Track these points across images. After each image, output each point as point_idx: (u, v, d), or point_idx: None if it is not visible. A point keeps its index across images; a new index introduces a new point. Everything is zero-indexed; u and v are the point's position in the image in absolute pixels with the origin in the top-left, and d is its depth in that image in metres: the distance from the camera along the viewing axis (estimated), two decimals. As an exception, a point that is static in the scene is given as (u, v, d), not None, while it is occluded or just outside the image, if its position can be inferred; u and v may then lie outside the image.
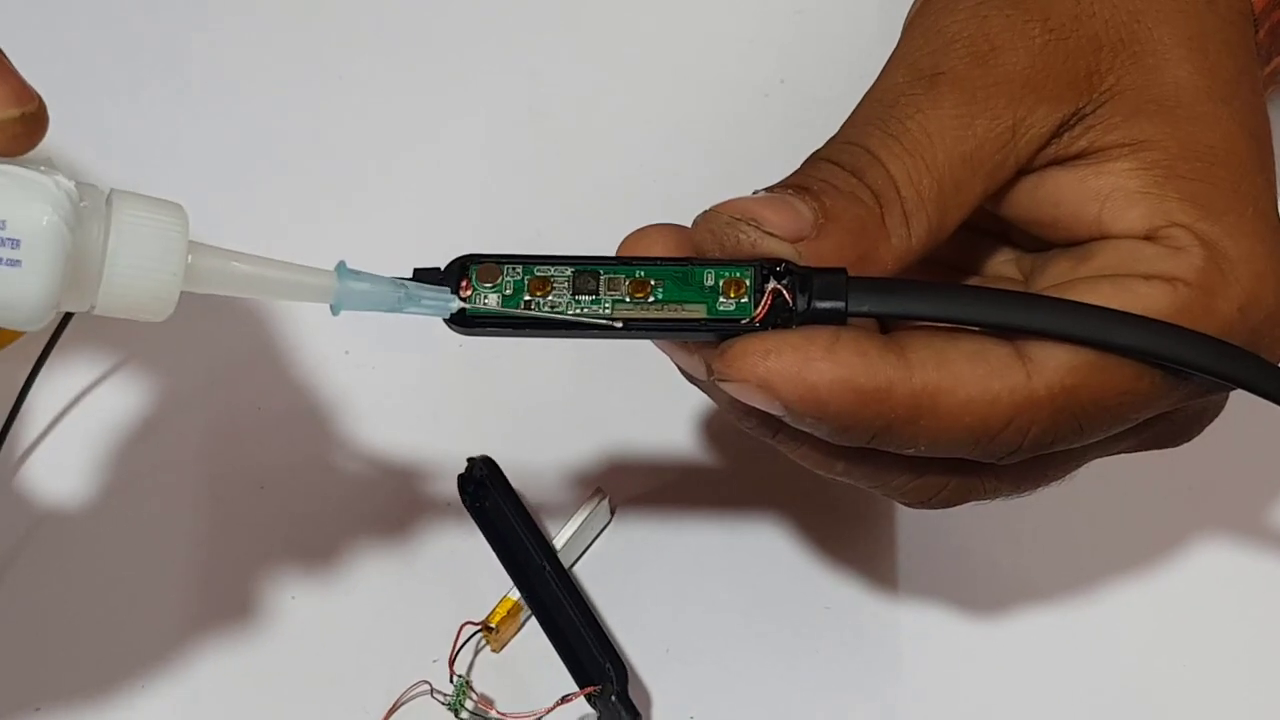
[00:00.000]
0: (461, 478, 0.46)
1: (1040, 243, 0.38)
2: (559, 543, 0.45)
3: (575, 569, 0.46)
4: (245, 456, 0.47)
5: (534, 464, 0.47)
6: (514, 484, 0.45)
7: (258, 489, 0.47)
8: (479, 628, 0.44)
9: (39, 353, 0.46)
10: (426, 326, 0.49)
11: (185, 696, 0.44)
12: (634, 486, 0.47)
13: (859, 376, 0.33)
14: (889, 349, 0.33)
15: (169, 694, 0.44)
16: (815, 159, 0.36)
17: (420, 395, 0.49)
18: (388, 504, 0.47)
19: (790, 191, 0.34)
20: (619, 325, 0.34)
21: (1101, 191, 0.36)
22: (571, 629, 0.43)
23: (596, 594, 0.45)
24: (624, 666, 0.42)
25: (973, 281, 0.40)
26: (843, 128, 0.36)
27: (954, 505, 0.38)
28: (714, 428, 0.48)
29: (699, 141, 0.53)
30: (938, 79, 0.35)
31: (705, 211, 0.34)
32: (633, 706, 0.42)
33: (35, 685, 0.44)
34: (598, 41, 0.55)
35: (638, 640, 0.45)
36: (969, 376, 0.33)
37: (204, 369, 0.49)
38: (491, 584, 0.45)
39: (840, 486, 0.46)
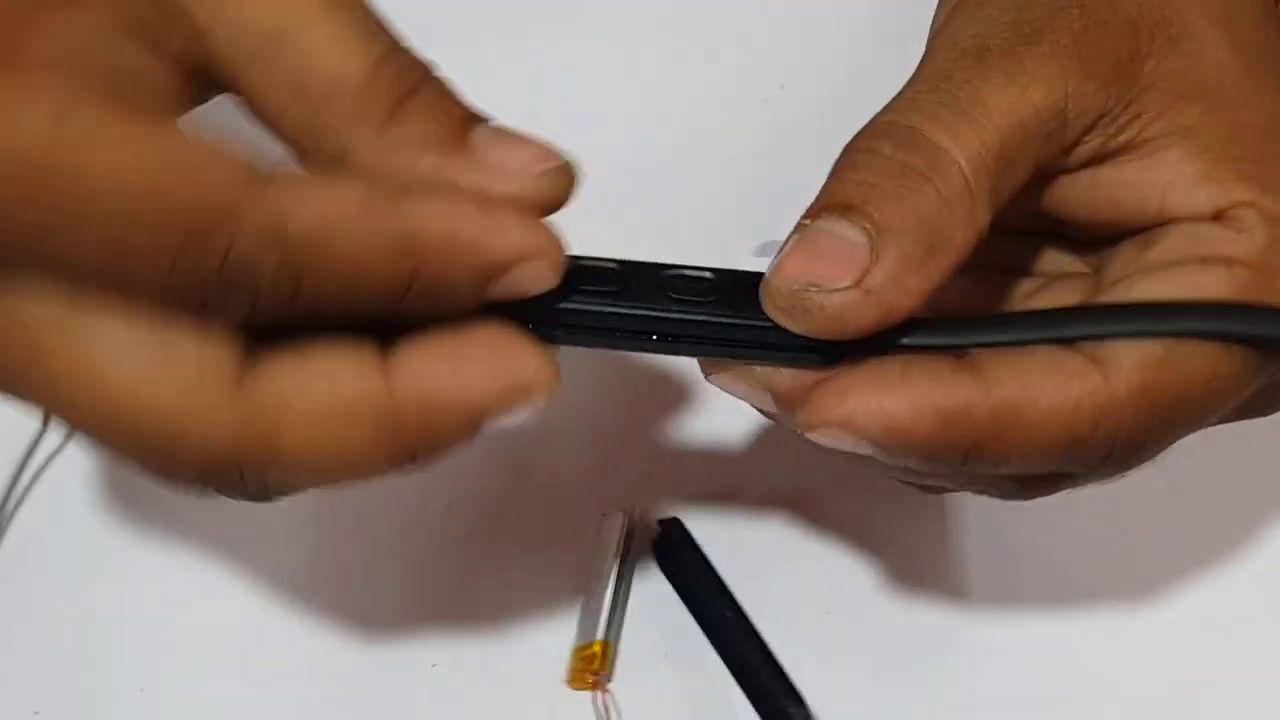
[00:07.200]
0: (658, 542, 0.46)
1: (1104, 238, 0.38)
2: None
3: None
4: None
5: (538, 477, 0.47)
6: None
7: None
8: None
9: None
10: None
11: (184, 705, 0.44)
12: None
13: (938, 399, 0.33)
14: (962, 368, 0.33)
15: (168, 702, 0.44)
16: (855, 150, 0.35)
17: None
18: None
19: (834, 215, 0.34)
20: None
21: (1160, 183, 0.36)
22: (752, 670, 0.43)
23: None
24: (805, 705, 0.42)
25: (1034, 281, 0.40)
26: (889, 107, 0.35)
27: (1051, 494, 0.38)
28: (718, 434, 0.48)
29: (698, 147, 0.52)
30: (985, 54, 0.35)
31: (763, 285, 0.34)
32: None
33: (34, 688, 0.44)
34: (597, 46, 0.55)
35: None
36: (1047, 386, 0.33)
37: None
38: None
39: (842, 489, 0.47)
